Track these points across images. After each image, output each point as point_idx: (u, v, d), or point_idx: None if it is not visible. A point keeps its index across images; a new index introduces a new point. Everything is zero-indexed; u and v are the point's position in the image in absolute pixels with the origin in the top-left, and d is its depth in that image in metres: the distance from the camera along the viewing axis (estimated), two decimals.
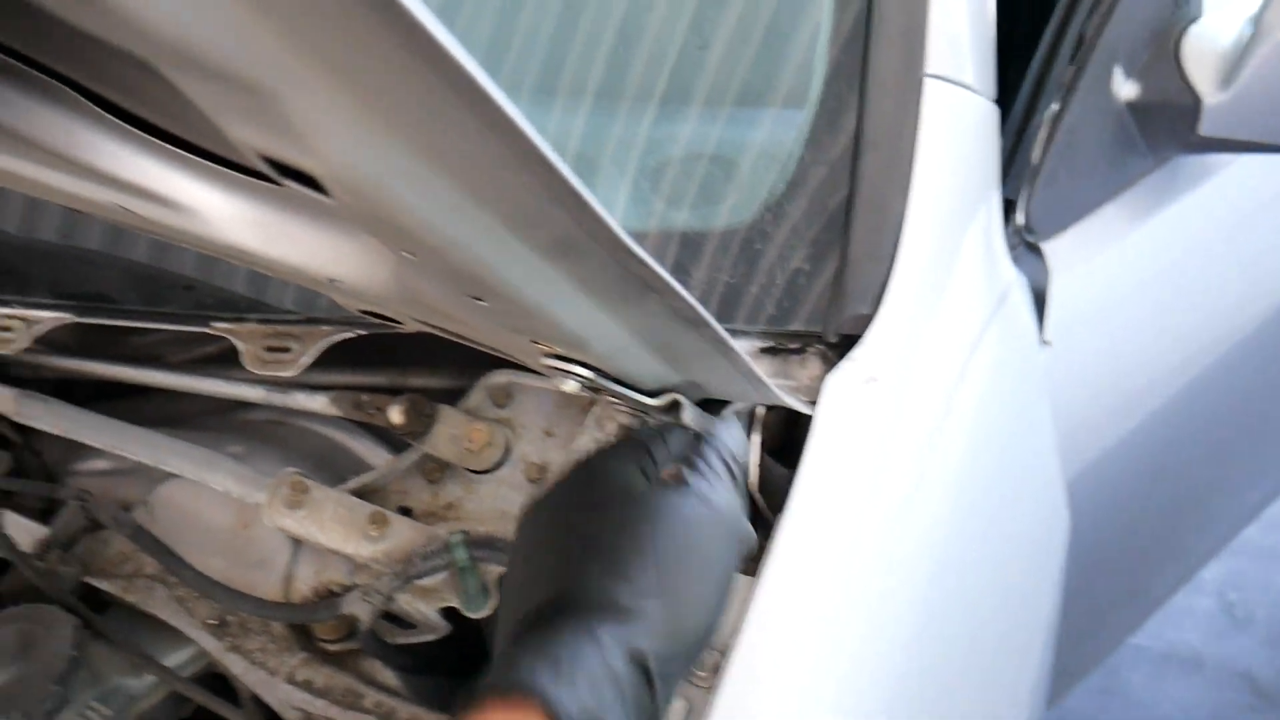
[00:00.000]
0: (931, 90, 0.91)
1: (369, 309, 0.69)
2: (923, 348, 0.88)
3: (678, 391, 0.67)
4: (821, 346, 0.87)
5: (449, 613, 0.87)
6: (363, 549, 0.87)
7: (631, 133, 0.97)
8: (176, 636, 0.91)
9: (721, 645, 0.75)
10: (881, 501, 0.81)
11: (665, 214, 0.94)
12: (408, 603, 0.87)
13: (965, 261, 0.94)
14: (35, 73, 0.55)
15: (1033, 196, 0.99)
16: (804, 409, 0.79)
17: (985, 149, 0.98)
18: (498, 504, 0.90)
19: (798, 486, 0.79)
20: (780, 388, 0.84)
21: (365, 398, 0.94)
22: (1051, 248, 1.00)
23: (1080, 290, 1.01)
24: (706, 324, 0.53)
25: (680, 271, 0.91)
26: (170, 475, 0.95)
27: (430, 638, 0.89)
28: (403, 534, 0.87)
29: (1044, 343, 0.99)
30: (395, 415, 0.91)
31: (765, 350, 0.88)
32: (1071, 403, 1.02)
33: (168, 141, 0.59)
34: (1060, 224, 1.01)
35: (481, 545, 0.84)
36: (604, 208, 0.39)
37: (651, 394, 0.67)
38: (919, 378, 0.87)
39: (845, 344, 0.85)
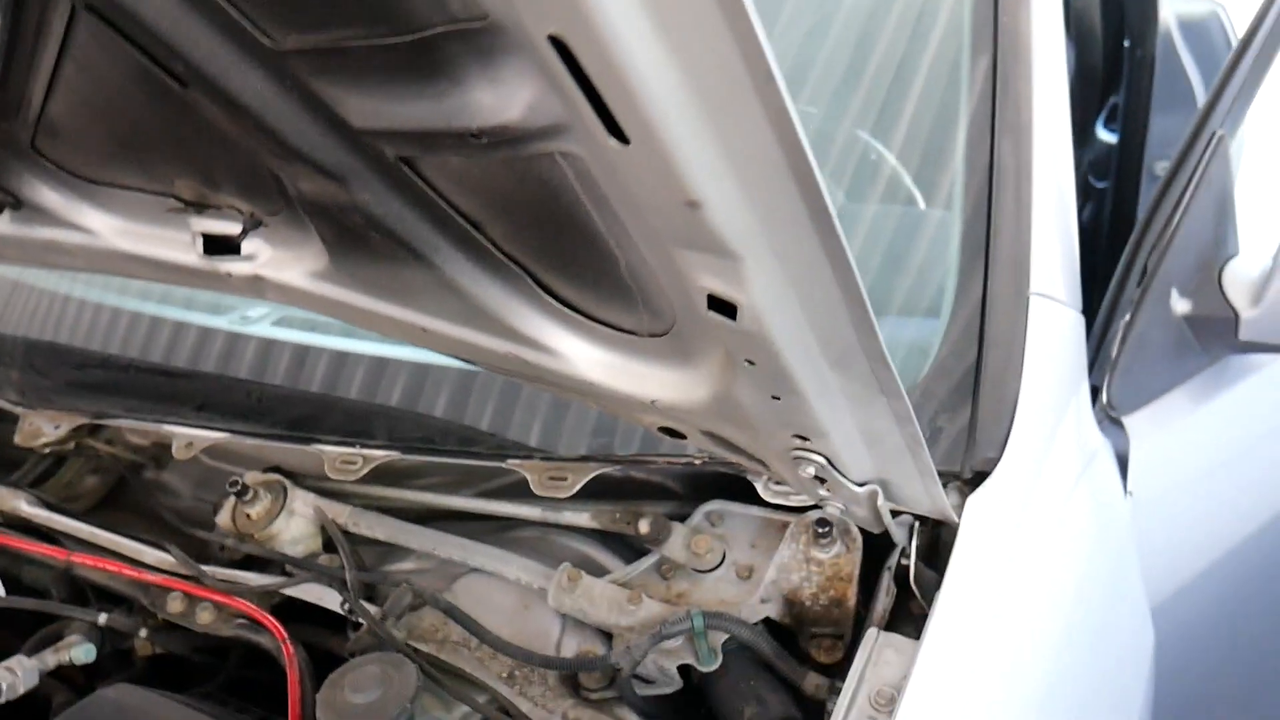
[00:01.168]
0: (1035, 305, 1.27)
1: (668, 424, 1.04)
2: (1036, 486, 1.19)
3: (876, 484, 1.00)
4: (958, 481, 1.19)
5: (682, 671, 1.17)
6: (623, 620, 1.18)
7: None
8: (475, 687, 1.22)
9: (897, 686, 1.04)
10: (1009, 595, 1.11)
11: None
12: (653, 661, 1.17)
13: (1064, 428, 1.27)
14: (515, 268, 0.92)
15: (1113, 383, 1.32)
16: (954, 519, 1.10)
17: (1075, 347, 1.32)
18: (717, 594, 1.21)
19: (949, 575, 1.09)
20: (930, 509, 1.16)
21: (618, 515, 1.27)
22: (1131, 421, 1.32)
23: (1156, 453, 1.33)
24: (911, 421, 0.87)
25: None
26: (468, 570, 1.28)
27: (667, 690, 1.18)
28: (653, 610, 1.18)
29: (1128, 493, 1.29)
30: (644, 526, 1.24)
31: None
32: (1153, 542, 1.31)
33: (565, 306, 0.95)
34: (1136, 404, 1.33)
35: (711, 618, 1.15)
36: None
37: (859, 485, 0.99)
38: (1034, 507, 1.18)
39: (977, 479, 1.17)
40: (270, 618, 1.25)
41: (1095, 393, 1.32)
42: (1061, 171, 1.37)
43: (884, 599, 1.18)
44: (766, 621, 1.18)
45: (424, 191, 0.83)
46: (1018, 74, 1.41)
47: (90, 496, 1.69)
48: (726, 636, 1.15)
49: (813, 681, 1.15)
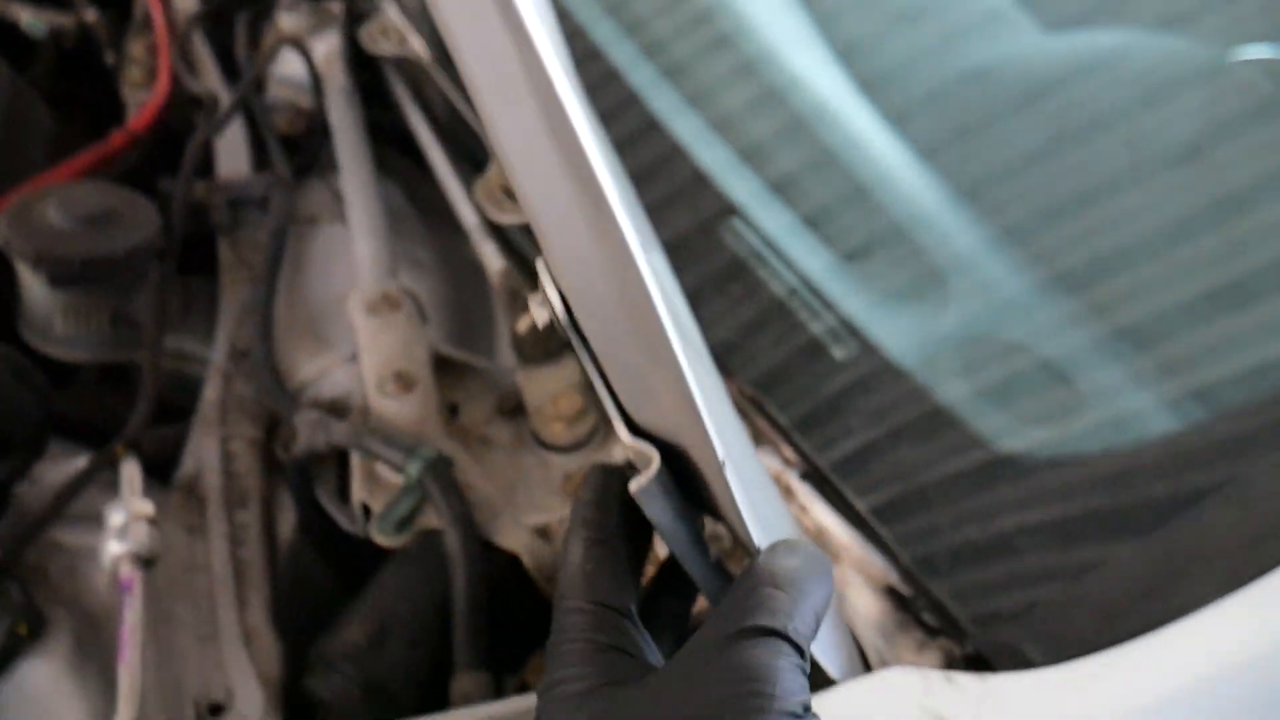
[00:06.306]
0: None
1: None
2: None
3: None
4: (952, 645, 0.58)
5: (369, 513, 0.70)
6: (372, 397, 0.73)
7: None
8: None
9: None
10: None
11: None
12: (358, 467, 0.71)
13: None
14: None
15: None
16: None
17: None
18: (509, 476, 0.71)
19: None
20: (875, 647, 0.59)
21: None
22: None
23: None
24: None
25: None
26: None
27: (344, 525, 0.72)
28: (406, 413, 0.71)
29: None
30: None
31: (891, 593, 0.61)
32: None
33: None
34: None
35: (447, 486, 0.66)
36: None
37: None
38: None
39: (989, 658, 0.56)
40: None
41: None
42: None
43: None
44: None
45: None
46: None
47: None
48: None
49: None
